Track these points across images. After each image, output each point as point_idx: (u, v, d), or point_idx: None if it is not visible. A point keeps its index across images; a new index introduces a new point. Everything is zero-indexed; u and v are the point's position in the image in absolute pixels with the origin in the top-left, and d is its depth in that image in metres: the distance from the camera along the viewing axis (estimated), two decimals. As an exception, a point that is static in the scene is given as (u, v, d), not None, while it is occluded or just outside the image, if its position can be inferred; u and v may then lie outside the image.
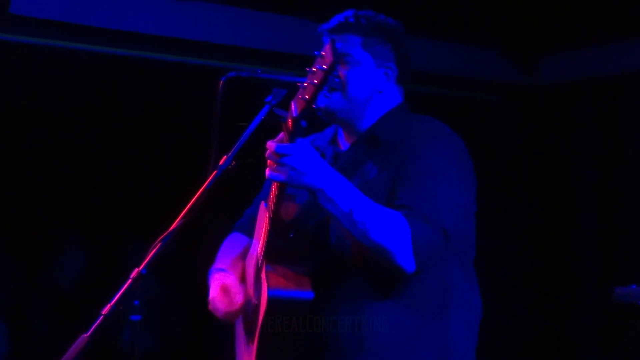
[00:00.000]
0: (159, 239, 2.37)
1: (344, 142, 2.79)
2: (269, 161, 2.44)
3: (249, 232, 2.91)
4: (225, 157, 2.51)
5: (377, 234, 2.43)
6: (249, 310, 2.72)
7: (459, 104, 6.05)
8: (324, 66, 2.28)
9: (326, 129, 2.90)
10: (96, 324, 2.27)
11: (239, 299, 2.74)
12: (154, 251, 2.36)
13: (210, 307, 2.80)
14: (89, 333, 2.26)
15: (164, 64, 4.98)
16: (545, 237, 6.23)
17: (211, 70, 4.88)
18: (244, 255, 2.87)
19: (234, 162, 2.49)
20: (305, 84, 2.35)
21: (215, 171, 2.49)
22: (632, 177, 5.80)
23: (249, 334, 2.68)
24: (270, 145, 2.43)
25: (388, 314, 2.55)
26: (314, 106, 2.41)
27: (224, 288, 2.77)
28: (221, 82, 2.57)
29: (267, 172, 2.45)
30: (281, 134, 2.50)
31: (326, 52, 2.28)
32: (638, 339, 5.52)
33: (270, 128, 2.55)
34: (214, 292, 2.79)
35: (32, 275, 4.68)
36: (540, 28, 5.84)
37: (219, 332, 2.91)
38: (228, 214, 3.01)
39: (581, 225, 6.10)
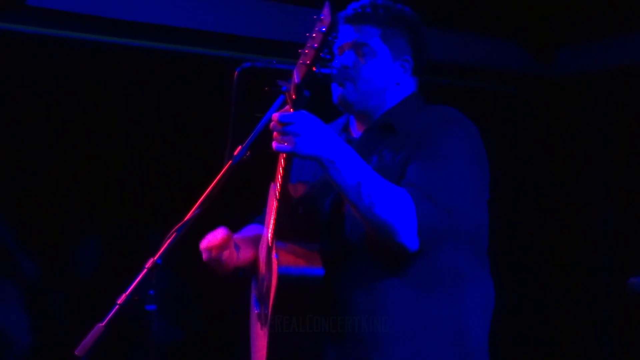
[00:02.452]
0: (174, 229, 2.38)
1: (356, 131, 2.79)
2: (274, 133, 2.42)
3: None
4: (240, 147, 2.51)
5: (383, 209, 2.41)
6: (261, 291, 2.72)
7: (474, 94, 6.04)
8: (323, 28, 2.27)
9: (338, 119, 2.90)
10: (112, 314, 2.27)
11: (221, 233, 2.73)
12: (169, 241, 2.37)
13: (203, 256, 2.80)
14: (104, 322, 2.26)
15: (179, 55, 4.98)
16: (560, 229, 6.22)
17: (226, 61, 4.88)
18: (256, 240, 2.87)
19: (248, 153, 2.50)
20: (306, 50, 2.34)
21: (230, 161, 2.50)
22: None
23: (262, 318, 2.69)
24: (274, 115, 2.41)
25: (403, 300, 2.54)
26: (315, 70, 2.38)
27: (213, 240, 2.77)
28: (236, 72, 2.57)
29: (274, 144, 2.42)
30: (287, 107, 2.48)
31: (325, 14, 2.27)
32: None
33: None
34: (204, 242, 2.78)
35: (47, 265, 4.70)
36: (557, 19, 5.82)
37: (234, 321, 2.92)
38: (243, 204, 3.01)
39: (596, 216, 6.09)
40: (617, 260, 5.90)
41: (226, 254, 2.77)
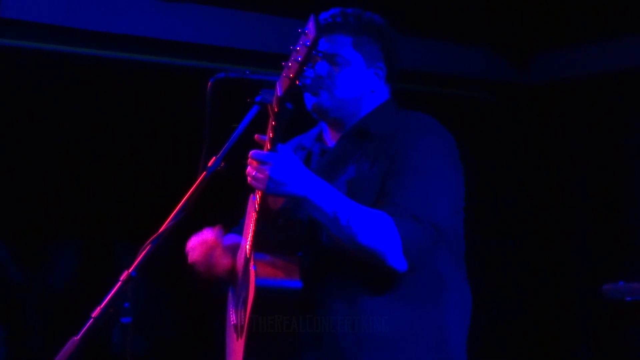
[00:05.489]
0: (149, 241, 2.36)
1: (330, 140, 2.79)
2: (249, 168, 2.45)
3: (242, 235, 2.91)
4: (214, 158, 2.51)
5: (365, 237, 2.43)
6: (238, 302, 2.71)
7: (451, 102, 6.05)
8: (307, 42, 2.27)
9: (311, 130, 2.90)
10: (86, 327, 2.25)
11: (212, 233, 2.74)
12: (143, 253, 2.35)
13: (189, 256, 2.79)
14: (79, 336, 2.24)
15: (153, 66, 4.96)
16: (537, 236, 6.24)
17: (200, 71, 4.86)
18: (234, 249, 2.86)
19: (223, 164, 2.49)
20: (290, 63, 2.34)
21: (205, 172, 2.49)
22: (623, 176, 5.81)
23: (238, 328, 2.68)
24: (250, 153, 2.44)
25: (385, 308, 2.54)
26: (298, 84, 2.38)
27: (204, 240, 2.77)
28: (210, 83, 2.56)
29: (249, 180, 2.46)
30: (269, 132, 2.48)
31: (309, 28, 2.27)
32: (627, 335, 5.54)
33: (260, 129, 2.54)
34: (193, 242, 2.79)
35: (22, 277, 4.68)
36: (532, 26, 5.84)
37: (210, 333, 2.91)
38: (218, 215, 3.00)
39: (572, 224, 6.11)
40: (592, 268, 5.92)
41: (217, 253, 2.76)
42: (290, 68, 2.34)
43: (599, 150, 5.99)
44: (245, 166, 2.48)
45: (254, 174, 2.44)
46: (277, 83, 2.40)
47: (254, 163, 2.43)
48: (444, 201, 2.57)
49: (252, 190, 2.66)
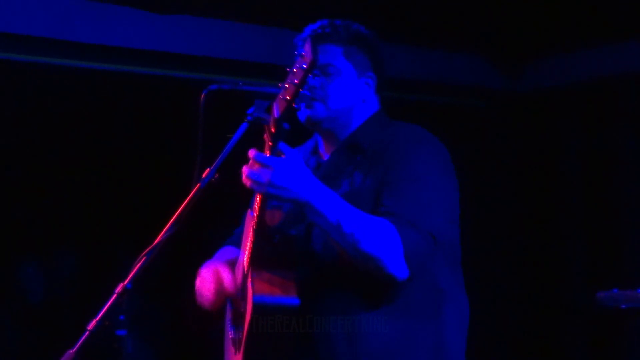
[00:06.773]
0: (144, 253, 2.37)
1: (325, 152, 2.80)
2: (248, 170, 2.44)
3: (239, 246, 2.90)
4: (208, 169, 2.51)
5: (367, 244, 2.43)
6: (236, 316, 2.72)
7: (444, 110, 6.06)
8: (304, 65, 2.28)
9: (307, 141, 2.91)
10: (82, 340, 2.26)
11: (228, 281, 2.71)
12: (138, 265, 2.35)
13: (197, 289, 2.79)
14: (74, 349, 2.25)
15: (146, 78, 4.96)
16: (530, 243, 6.24)
17: (193, 83, 4.87)
18: (233, 263, 2.86)
19: (217, 175, 2.49)
20: (287, 85, 2.36)
21: (199, 184, 2.49)
22: (617, 183, 5.82)
23: (236, 343, 2.68)
24: (250, 153, 2.44)
25: (382, 321, 2.55)
26: (295, 106, 2.40)
27: (216, 271, 2.76)
28: (203, 95, 2.57)
29: (248, 183, 2.44)
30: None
31: (306, 51, 2.28)
32: (622, 342, 5.55)
33: (253, 140, 2.55)
34: (205, 274, 2.78)
35: (16, 289, 4.67)
36: (524, 34, 5.85)
37: (205, 346, 2.91)
38: (213, 227, 3.00)
39: (566, 231, 6.11)
40: (586, 275, 5.93)
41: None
42: (287, 90, 2.35)
43: (591, 158, 5.99)
44: (240, 176, 2.48)
45: (255, 177, 2.42)
46: (274, 104, 2.42)
47: (256, 165, 2.42)
48: (439, 210, 2.58)
49: (249, 198, 2.67)
